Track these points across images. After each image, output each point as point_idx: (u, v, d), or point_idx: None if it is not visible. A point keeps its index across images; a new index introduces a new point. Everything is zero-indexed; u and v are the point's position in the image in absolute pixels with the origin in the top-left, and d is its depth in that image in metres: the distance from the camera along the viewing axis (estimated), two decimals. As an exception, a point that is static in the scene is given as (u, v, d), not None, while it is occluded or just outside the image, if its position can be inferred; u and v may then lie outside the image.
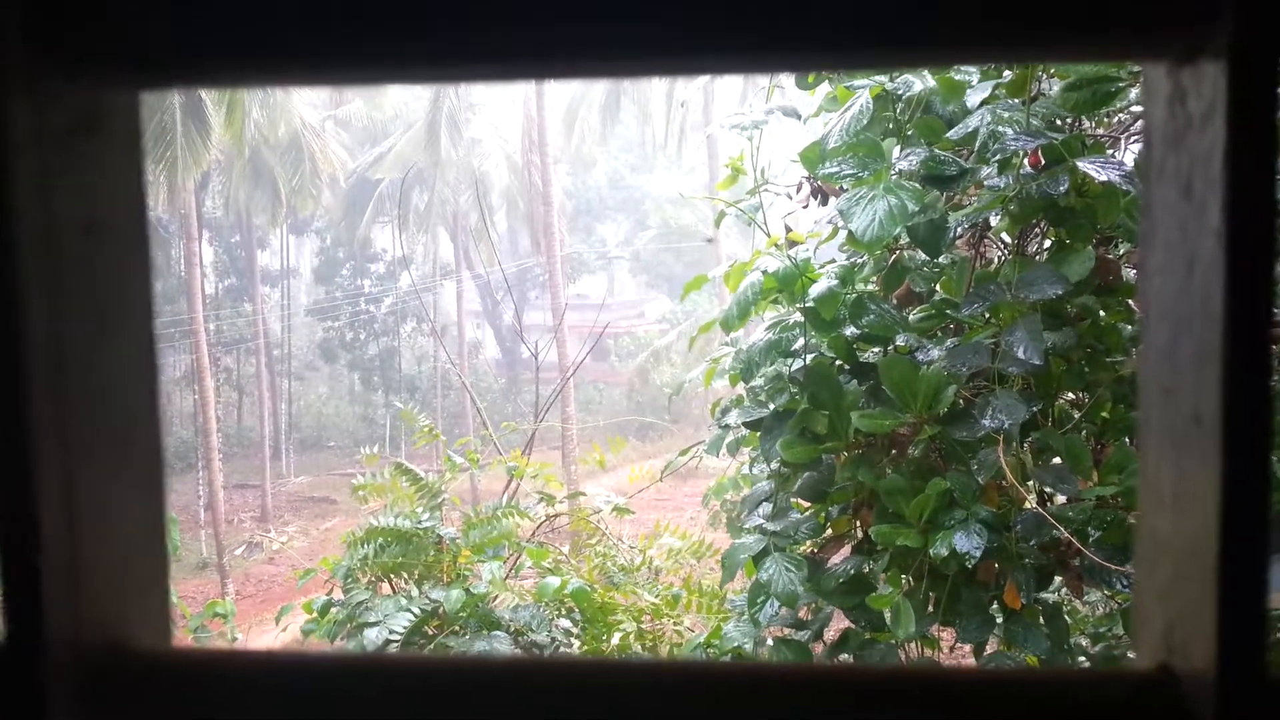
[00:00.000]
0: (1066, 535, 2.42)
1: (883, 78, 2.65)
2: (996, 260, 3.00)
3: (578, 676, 0.45)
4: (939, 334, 2.83)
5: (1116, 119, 3.07)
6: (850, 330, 2.80)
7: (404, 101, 27.87)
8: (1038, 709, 0.43)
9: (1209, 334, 0.39)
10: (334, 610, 4.52)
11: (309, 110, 24.46)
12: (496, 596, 4.44)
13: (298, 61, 0.43)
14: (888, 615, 2.65)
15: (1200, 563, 0.40)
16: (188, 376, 26.86)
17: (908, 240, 2.69)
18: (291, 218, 27.55)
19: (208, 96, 17.94)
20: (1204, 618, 0.40)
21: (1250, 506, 0.38)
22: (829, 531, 2.97)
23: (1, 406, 0.42)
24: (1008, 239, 2.99)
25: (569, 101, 29.28)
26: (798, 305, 2.81)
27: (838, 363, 2.88)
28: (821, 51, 0.43)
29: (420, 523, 4.64)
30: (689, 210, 31.09)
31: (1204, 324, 0.39)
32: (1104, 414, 2.77)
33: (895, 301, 2.89)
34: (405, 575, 4.59)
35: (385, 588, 4.64)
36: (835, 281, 2.74)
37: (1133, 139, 2.90)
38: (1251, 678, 0.39)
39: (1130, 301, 2.72)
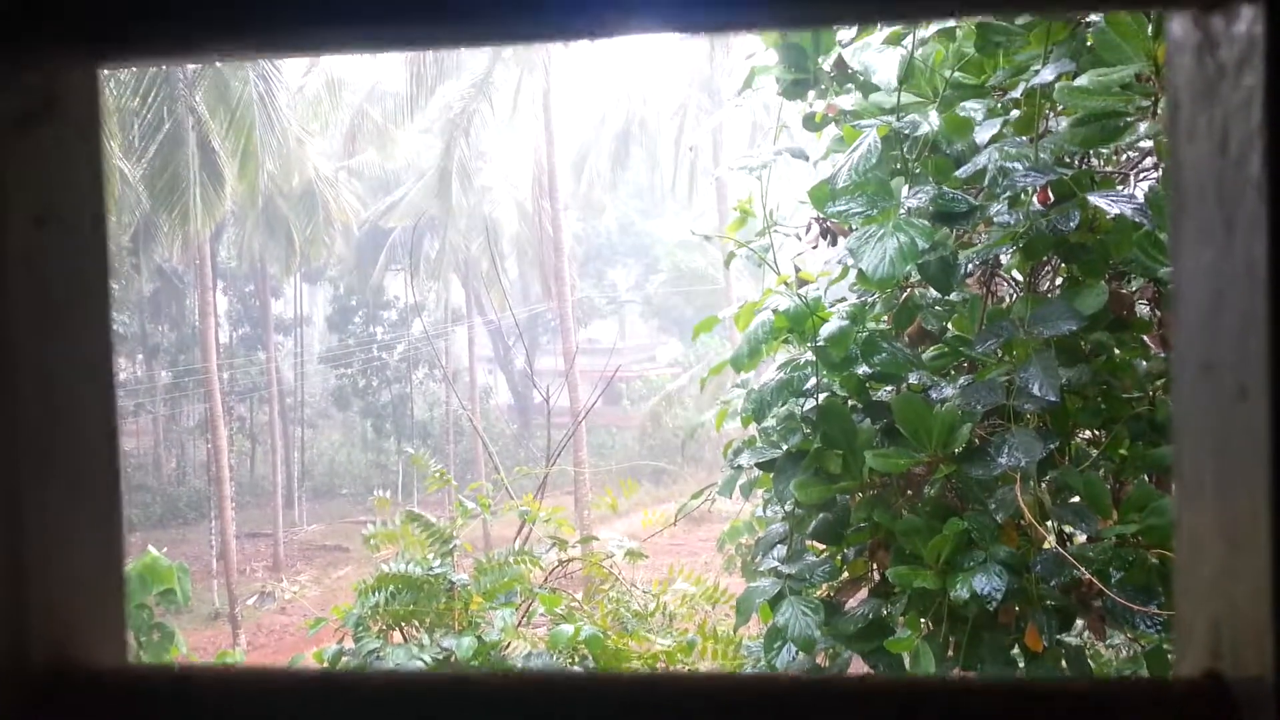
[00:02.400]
0: (1088, 576, 2.38)
1: (890, 118, 2.65)
2: (1008, 297, 2.98)
3: (551, 690, 0.43)
4: (952, 372, 2.81)
5: (1125, 156, 3.06)
6: (862, 369, 2.77)
7: (416, 151, 28.19)
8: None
9: (1253, 299, 0.35)
10: (345, 659, 4.47)
11: (323, 160, 24.78)
12: (509, 644, 4.39)
13: (265, 28, 0.40)
14: (907, 659, 2.60)
15: (1250, 554, 0.36)
16: (201, 425, 26.94)
17: (918, 278, 2.68)
18: (305, 266, 27.80)
19: (221, 149, 18.18)
20: (1257, 616, 0.35)
21: None
22: (845, 574, 2.92)
23: None
24: (1019, 276, 2.97)
25: (579, 148, 29.60)
26: (809, 344, 2.80)
27: (850, 402, 2.85)
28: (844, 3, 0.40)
29: (432, 569, 4.60)
30: (699, 254, 31.22)
31: (1247, 289, 0.36)
32: (1122, 451, 2.73)
33: (907, 340, 2.87)
34: (416, 623, 4.54)
35: (396, 636, 4.59)
36: (846, 320, 2.73)
37: (1142, 176, 2.90)
38: None
39: (1145, 337, 2.70)
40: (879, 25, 2.87)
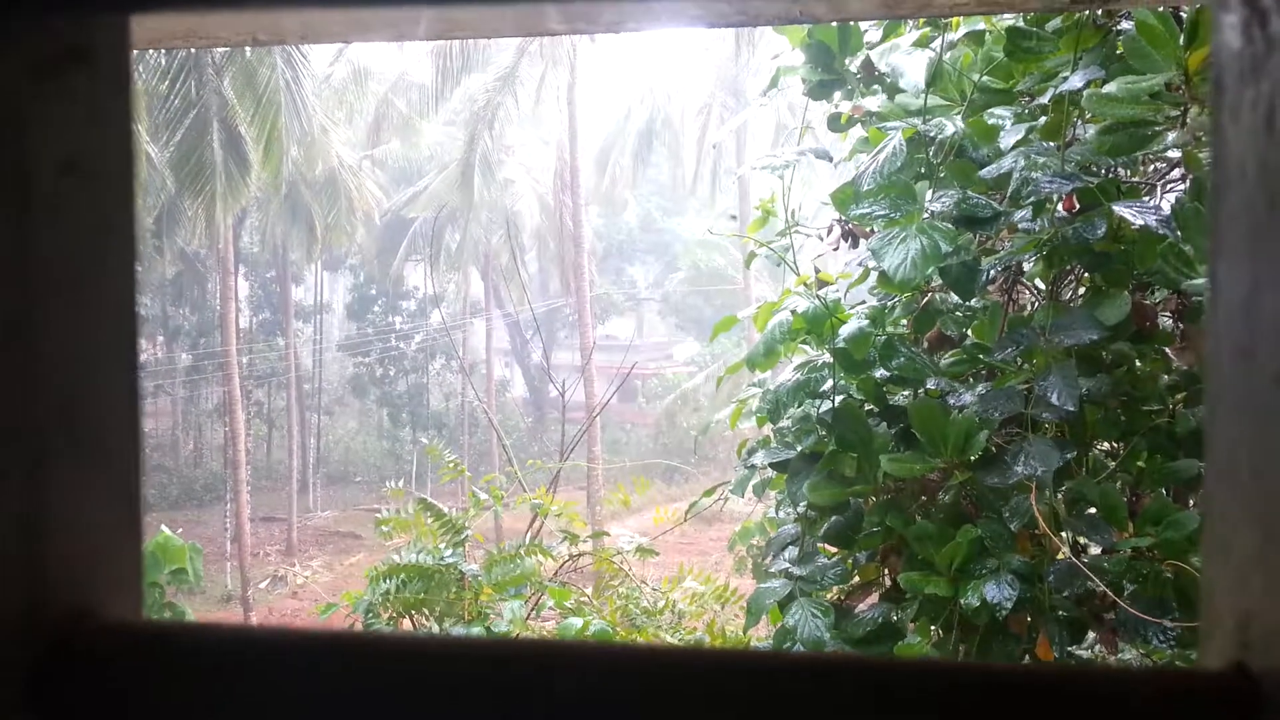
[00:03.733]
0: (1102, 588, 2.36)
1: (915, 120, 2.64)
2: (1030, 305, 2.96)
3: (563, 657, 0.43)
4: (971, 379, 2.79)
5: (1153, 166, 3.04)
6: (880, 373, 2.76)
7: (439, 142, 28.28)
8: (1094, 709, 0.39)
9: None
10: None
11: (346, 149, 24.88)
12: (517, 636, 4.40)
13: None
14: (915, 665, 2.59)
15: None
16: (219, 409, 27.13)
17: (939, 283, 2.67)
18: (326, 254, 27.94)
19: (247, 135, 18.28)
20: None
21: None
22: (856, 578, 2.91)
23: None
24: (1041, 284, 2.95)
25: (601, 144, 29.61)
26: (827, 346, 2.79)
27: (866, 405, 2.84)
28: None
29: (443, 559, 4.61)
30: (719, 253, 31.18)
31: None
32: (1140, 463, 2.71)
33: (926, 345, 2.86)
34: (426, 612, 4.56)
35: (406, 624, 4.61)
36: (865, 323, 2.72)
37: (1169, 187, 2.87)
38: None
39: (1167, 350, 2.67)
40: (888, 18, 2.85)
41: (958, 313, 2.85)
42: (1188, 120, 2.23)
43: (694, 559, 8.01)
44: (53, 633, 0.43)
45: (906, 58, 2.82)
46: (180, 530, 16.23)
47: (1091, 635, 2.74)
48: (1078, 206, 2.48)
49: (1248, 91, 0.39)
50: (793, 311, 2.81)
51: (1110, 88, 2.26)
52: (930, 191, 2.58)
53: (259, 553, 23.61)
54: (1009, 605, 2.37)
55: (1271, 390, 0.37)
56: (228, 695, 0.45)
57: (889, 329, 2.83)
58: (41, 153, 0.41)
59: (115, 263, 0.45)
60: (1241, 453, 0.40)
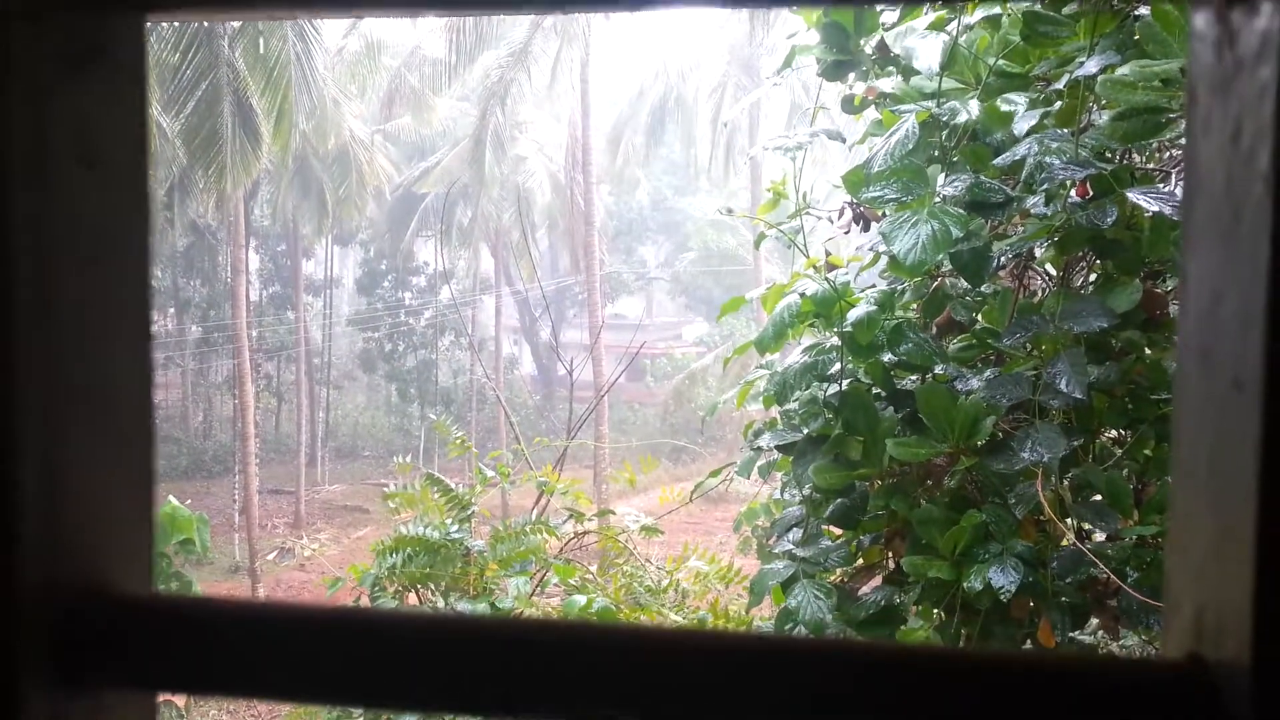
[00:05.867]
0: (1107, 573, 2.36)
1: (929, 103, 2.62)
2: (1040, 291, 2.95)
3: (566, 638, 0.44)
4: (979, 364, 2.79)
5: (1168, 154, 3.02)
6: (888, 357, 2.76)
7: (452, 118, 28.19)
8: (1055, 696, 0.41)
9: (1253, 292, 0.37)
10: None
11: (358, 124, 24.83)
12: (521, 612, 4.43)
13: None
14: (917, 648, 2.60)
15: (1236, 540, 0.37)
16: (229, 381, 27.24)
17: (950, 267, 2.66)
18: (337, 228, 27.93)
19: (258, 106, 18.25)
20: (1239, 600, 0.37)
21: None
22: (860, 560, 2.92)
23: None
24: (1052, 270, 2.94)
25: (614, 122, 29.48)
26: (835, 329, 2.78)
27: (874, 389, 2.84)
28: None
29: (449, 534, 4.64)
30: (730, 234, 31.09)
31: (1249, 281, 0.37)
32: (1146, 452, 2.71)
33: (935, 329, 2.85)
34: (432, 586, 4.59)
35: (412, 598, 4.65)
36: (874, 307, 2.71)
37: (1182, 174, 2.85)
38: None
39: (1177, 338, 2.66)
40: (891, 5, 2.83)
41: (968, 298, 2.85)
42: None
43: (699, 538, 8.03)
44: (66, 606, 0.44)
45: (922, 40, 2.80)
46: (188, 501, 16.34)
47: (1093, 621, 2.75)
48: (1091, 193, 2.47)
49: (1217, 108, 0.40)
50: (802, 294, 2.80)
51: (1124, 70, 2.24)
52: (943, 175, 2.57)
53: (266, 525, 23.76)
54: (1012, 589, 2.38)
55: (1229, 394, 0.38)
56: (239, 670, 0.46)
57: (898, 313, 2.83)
58: (62, 143, 0.43)
59: (129, 246, 0.47)
60: (1201, 452, 0.41)
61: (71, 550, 0.44)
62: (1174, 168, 2.92)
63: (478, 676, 0.43)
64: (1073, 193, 2.47)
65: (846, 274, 2.94)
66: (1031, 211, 2.52)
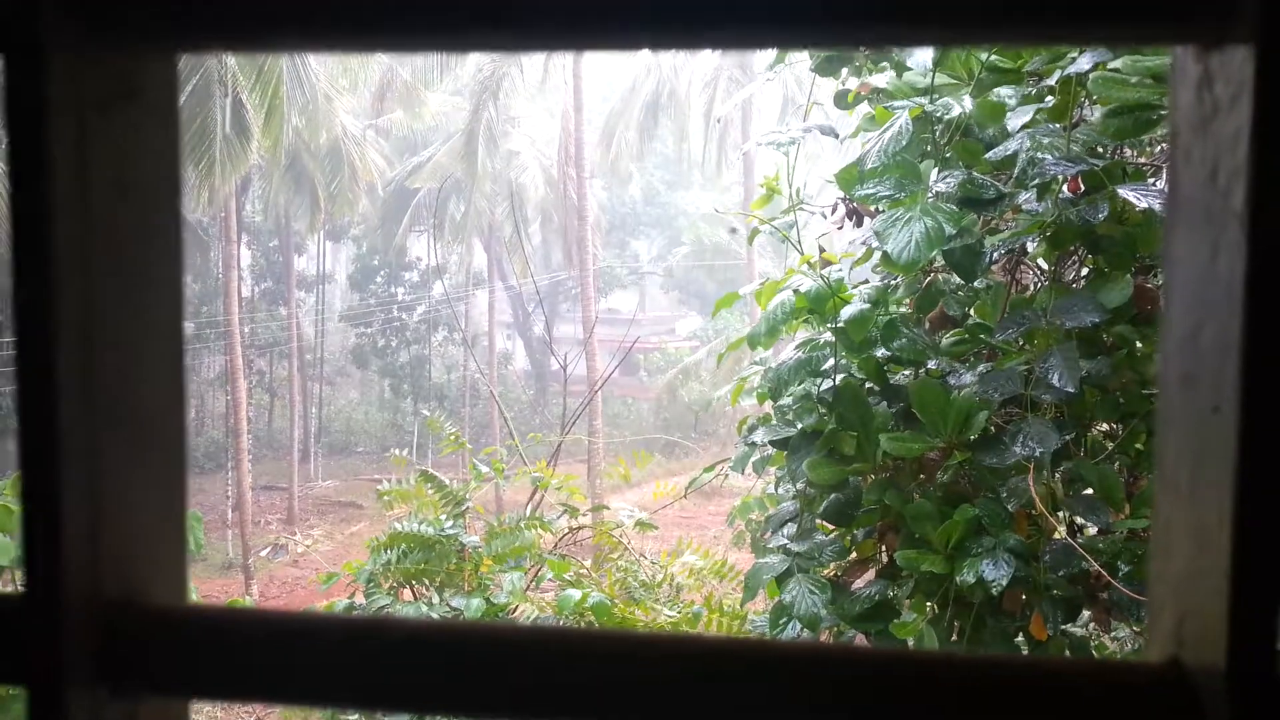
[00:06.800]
0: (1096, 567, 2.38)
1: (922, 99, 2.63)
2: (1032, 286, 2.96)
3: (570, 646, 0.45)
4: (971, 359, 2.80)
5: (1159, 149, 3.03)
6: (881, 352, 2.77)
7: (443, 113, 28.11)
8: (1040, 699, 0.42)
9: (1230, 322, 0.39)
10: (356, 614, 4.53)
11: (350, 119, 24.75)
12: (516, 607, 4.43)
13: (336, 24, 0.44)
14: (911, 643, 2.62)
15: (1214, 554, 0.39)
16: (221, 377, 27.16)
17: (943, 263, 2.67)
18: (329, 224, 27.84)
19: (248, 100, 18.18)
20: (1216, 609, 0.39)
21: (1265, 500, 0.38)
22: (853, 555, 2.94)
23: (33, 359, 0.43)
24: (1044, 265, 2.95)
25: (607, 116, 29.42)
26: (829, 325, 2.79)
27: (867, 384, 2.85)
28: (859, 22, 0.43)
29: (444, 530, 4.64)
30: (723, 229, 31.08)
31: (1226, 312, 0.39)
32: (1138, 446, 2.72)
33: (928, 325, 2.86)
34: (427, 582, 4.60)
35: (407, 594, 4.65)
36: (868, 303, 2.72)
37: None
38: (1262, 673, 0.38)
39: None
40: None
41: (960, 293, 2.86)
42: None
43: (693, 533, 8.04)
44: (107, 618, 0.46)
45: (914, 36, 2.80)
46: (182, 497, 16.26)
47: (1085, 614, 2.77)
48: (1082, 188, 2.48)
49: (1196, 145, 0.42)
50: (795, 291, 2.81)
51: (1116, 64, 2.25)
52: (935, 171, 2.58)
53: (260, 521, 23.71)
54: (1004, 583, 2.40)
55: (1209, 419, 0.40)
56: (270, 678, 0.48)
57: (892, 309, 2.84)
58: (100, 177, 0.45)
59: (164, 270, 0.50)
60: (1183, 468, 0.43)
61: (111, 564, 0.46)
62: (1165, 163, 2.93)
63: (512, 684, 0.45)
64: (1065, 188, 2.49)
65: (840, 270, 2.95)
66: (1024, 207, 2.53)
